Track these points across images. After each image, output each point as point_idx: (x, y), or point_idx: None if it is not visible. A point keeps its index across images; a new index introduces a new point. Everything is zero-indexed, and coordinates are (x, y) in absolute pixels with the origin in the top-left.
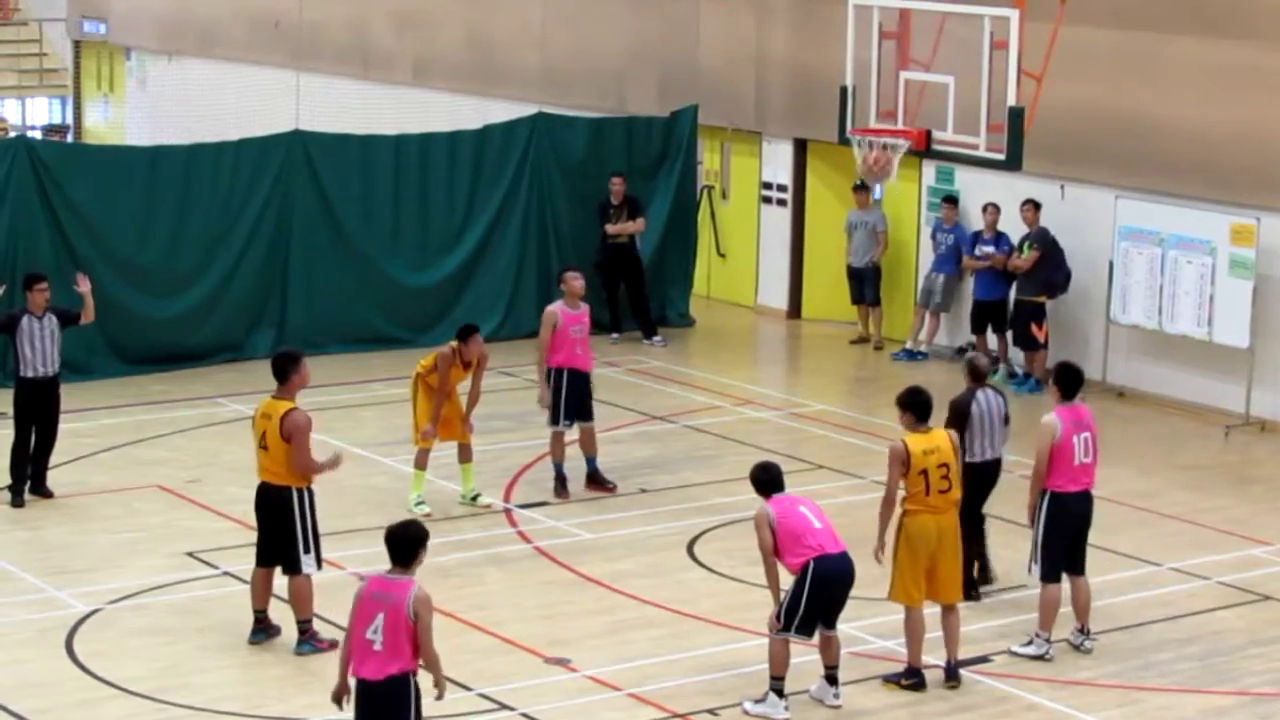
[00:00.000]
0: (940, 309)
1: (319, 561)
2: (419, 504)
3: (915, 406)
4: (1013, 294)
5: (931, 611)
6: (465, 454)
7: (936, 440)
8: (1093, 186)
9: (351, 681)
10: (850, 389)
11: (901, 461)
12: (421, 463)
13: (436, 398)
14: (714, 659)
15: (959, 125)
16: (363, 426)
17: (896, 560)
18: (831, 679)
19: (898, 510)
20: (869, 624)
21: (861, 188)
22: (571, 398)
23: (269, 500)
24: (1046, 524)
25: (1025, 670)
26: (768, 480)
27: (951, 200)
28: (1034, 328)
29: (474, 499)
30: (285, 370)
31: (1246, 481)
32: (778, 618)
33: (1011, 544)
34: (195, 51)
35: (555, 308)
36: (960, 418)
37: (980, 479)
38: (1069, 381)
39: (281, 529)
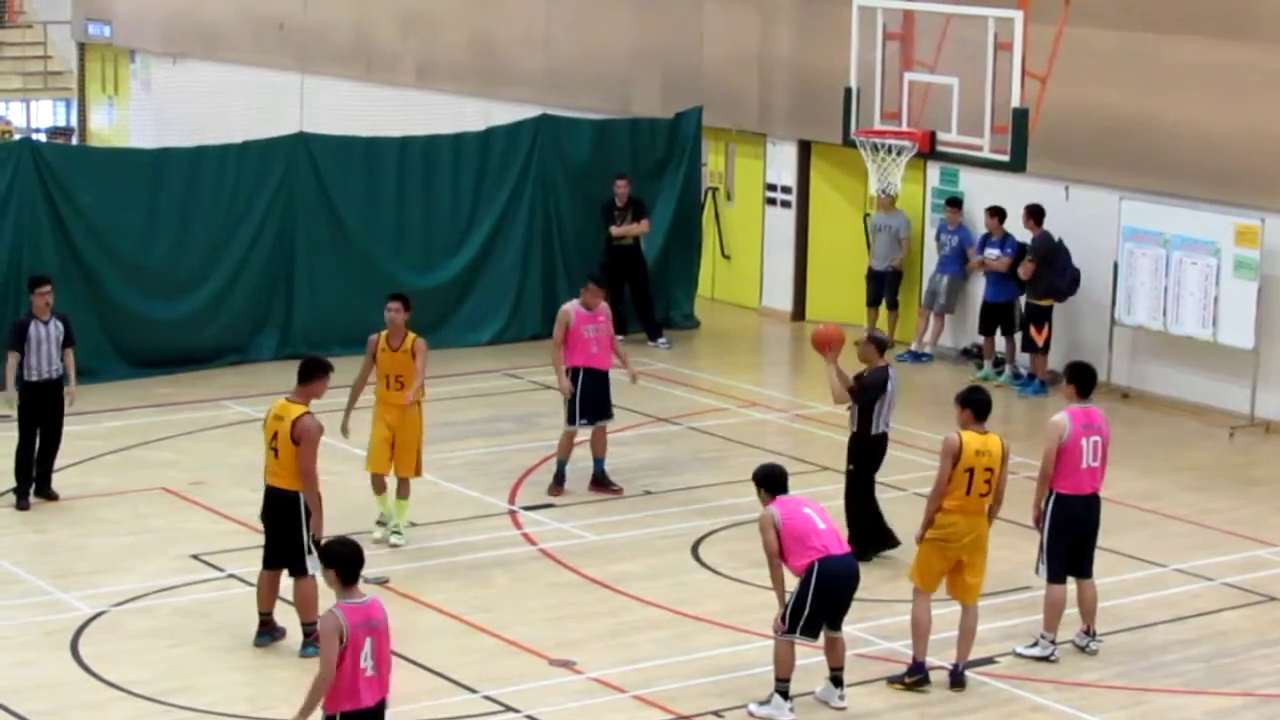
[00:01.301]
0: (945, 310)
1: (330, 555)
2: (384, 524)
3: (974, 404)
4: (1023, 297)
5: (941, 613)
6: (404, 489)
7: (990, 444)
8: (1097, 188)
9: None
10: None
11: (953, 455)
12: (379, 486)
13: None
14: (719, 661)
15: (963, 127)
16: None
17: (922, 548)
18: (837, 680)
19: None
20: (874, 625)
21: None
22: (587, 397)
23: (276, 504)
24: (1051, 526)
25: (1031, 671)
26: (772, 481)
27: (955, 202)
28: (1034, 330)
29: (394, 531)
30: (311, 375)
31: (1251, 482)
32: (782, 619)
33: (1016, 545)
34: (200, 54)
35: (569, 306)
36: (879, 391)
37: (876, 450)
38: (1084, 379)
39: (288, 532)
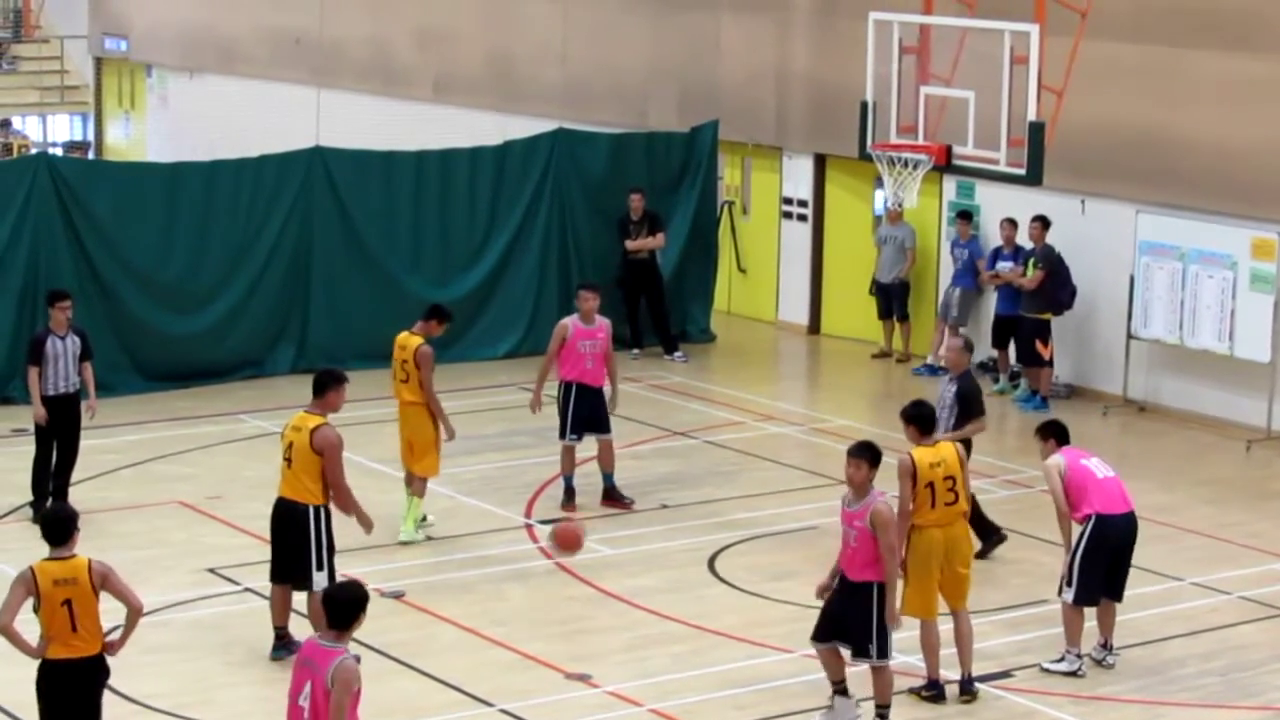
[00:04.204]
0: (958, 323)
1: (332, 578)
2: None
3: (919, 419)
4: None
5: (947, 627)
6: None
7: (943, 453)
8: (1113, 201)
9: None
10: (872, 404)
11: (909, 474)
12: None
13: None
14: (736, 675)
15: (979, 140)
16: (383, 442)
17: (908, 575)
18: (842, 691)
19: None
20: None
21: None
22: (580, 411)
23: (285, 516)
24: (1087, 546)
25: (1047, 685)
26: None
27: (965, 215)
28: (1039, 345)
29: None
30: (325, 386)
31: (1268, 496)
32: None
33: (1036, 559)
34: (216, 68)
35: (568, 320)
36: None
37: None
38: (1063, 434)
39: (296, 545)
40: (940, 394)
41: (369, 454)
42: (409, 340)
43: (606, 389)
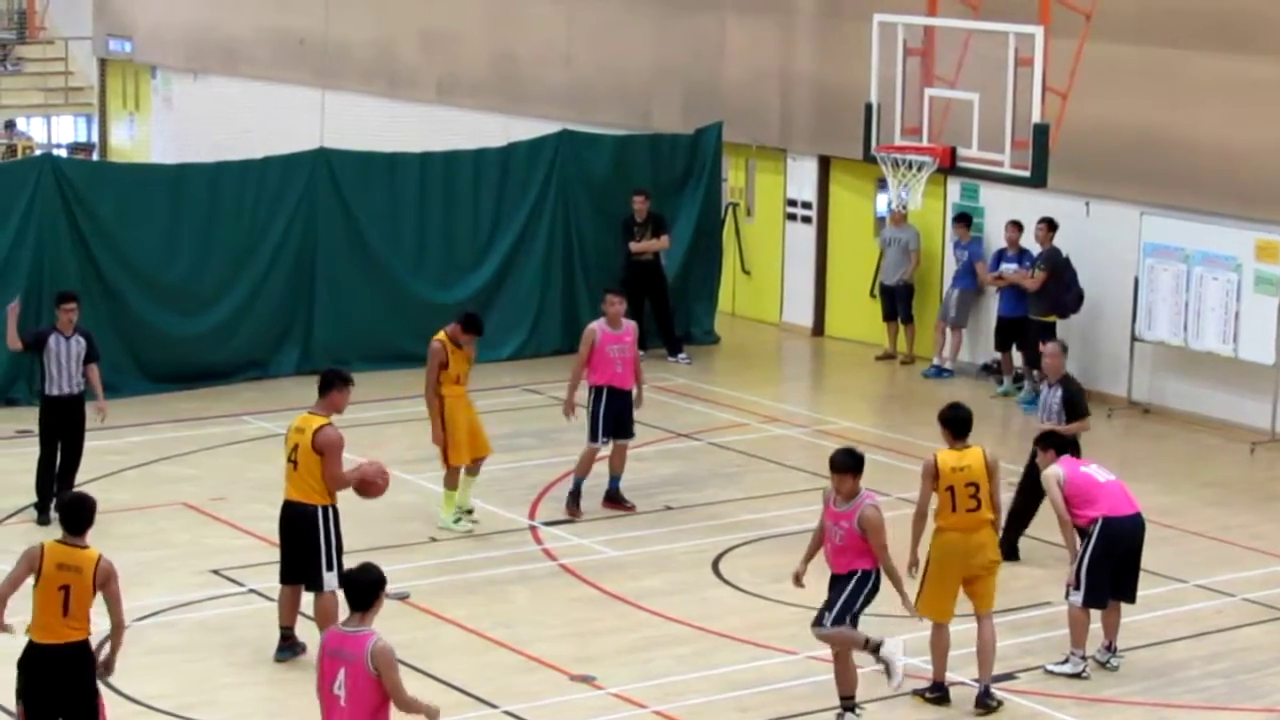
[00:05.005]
0: (957, 324)
1: (342, 579)
2: (458, 521)
3: (952, 423)
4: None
5: (961, 629)
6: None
7: (969, 458)
8: (1118, 203)
9: None
10: (876, 406)
11: (930, 475)
12: (452, 483)
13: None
14: (740, 676)
15: (984, 142)
16: (389, 444)
17: (926, 575)
18: (849, 708)
19: (930, 526)
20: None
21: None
22: (610, 415)
23: (294, 518)
24: (1095, 550)
25: (1051, 688)
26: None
27: (963, 218)
28: (1042, 347)
29: (468, 512)
30: (329, 386)
31: (1272, 498)
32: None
33: (1041, 561)
34: (220, 70)
35: (595, 325)
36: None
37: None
38: (1063, 446)
39: (305, 546)
40: (1043, 401)
41: (375, 455)
42: (436, 336)
43: (633, 390)
